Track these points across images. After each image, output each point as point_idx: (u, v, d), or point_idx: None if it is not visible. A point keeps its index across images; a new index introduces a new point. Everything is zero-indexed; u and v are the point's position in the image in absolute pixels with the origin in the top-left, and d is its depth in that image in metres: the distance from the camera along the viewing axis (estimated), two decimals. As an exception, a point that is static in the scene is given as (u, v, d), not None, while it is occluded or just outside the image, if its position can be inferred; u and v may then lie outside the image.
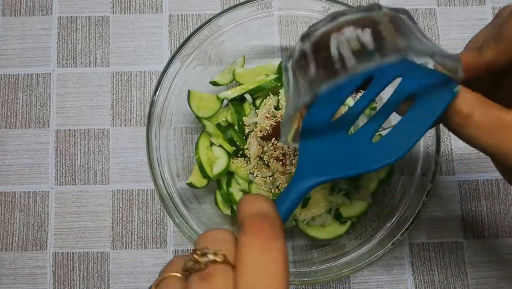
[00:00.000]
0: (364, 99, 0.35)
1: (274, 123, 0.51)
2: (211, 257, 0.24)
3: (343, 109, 0.38)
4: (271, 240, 0.25)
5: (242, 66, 0.55)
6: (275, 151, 0.49)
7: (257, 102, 0.54)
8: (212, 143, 0.53)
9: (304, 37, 0.32)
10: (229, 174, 0.52)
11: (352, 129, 0.36)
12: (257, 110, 0.53)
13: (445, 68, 0.30)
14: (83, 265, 0.54)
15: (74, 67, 0.58)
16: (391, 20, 0.29)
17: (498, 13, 0.31)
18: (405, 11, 0.30)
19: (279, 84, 0.53)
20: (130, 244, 0.54)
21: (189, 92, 0.51)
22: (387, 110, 0.34)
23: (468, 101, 0.29)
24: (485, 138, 0.29)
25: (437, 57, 0.30)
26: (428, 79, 0.32)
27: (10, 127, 0.57)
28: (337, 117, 0.35)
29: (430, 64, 0.31)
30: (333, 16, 0.31)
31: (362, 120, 0.39)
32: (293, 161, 0.49)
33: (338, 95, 0.35)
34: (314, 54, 0.30)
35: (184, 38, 0.51)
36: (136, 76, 0.58)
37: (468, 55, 0.30)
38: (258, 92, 0.53)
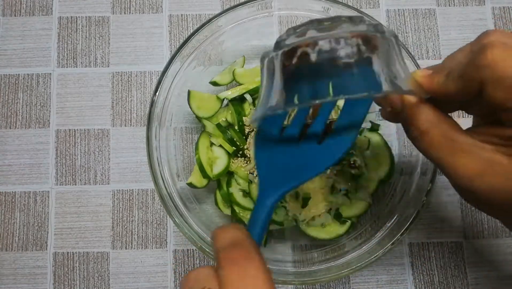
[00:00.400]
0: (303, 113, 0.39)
1: (274, 123, 0.51)
2: None
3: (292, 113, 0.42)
4: (245, 262, 0.27)
5: (242, 66, 0.55)
6: (275, 151, 0.49)
7: (257, 102, 0.54)
8: (212, 143, 0.53)
9: (277, 45, 0.34)
10: (229, 174, 0.52)
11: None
12: (257, 110, 0.53)
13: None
14: (83, 265, 0.54)
15: (74, 67, 0.58)
16: (363, 39, 0.31)
17: (479, 36, 0.31)
18: (380, 29, 0.31)
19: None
20: (130, 244, 0.54)
21: (189, 92, 0.51)
22: (325, 113, 0.38)
23: (427, 118, 0.31)
24: (436, 154, 0.31)
25: (394, 86, 0.31)
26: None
27: (10, 127, 0.57)
28: (287, 125, 0.38)
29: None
30: (309, 26, 0.32)
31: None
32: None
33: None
34: (282, 68, 0.33)
35: (184, 38, 0.51)
36: (136, 76, 0.58)
37: (436, 81, 0.31)
38: (258, 92, 0.53)
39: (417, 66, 0.48)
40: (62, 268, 0.54)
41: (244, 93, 0.53)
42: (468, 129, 0.32)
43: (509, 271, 0.53)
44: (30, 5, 0.60)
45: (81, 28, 0.59)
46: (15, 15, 0.59)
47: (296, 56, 0.31)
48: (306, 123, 0.39)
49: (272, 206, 0.34)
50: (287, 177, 0.36)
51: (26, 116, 0.57)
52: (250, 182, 0.51)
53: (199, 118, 0.53)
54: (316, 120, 0.38)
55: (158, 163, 0.47)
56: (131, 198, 0.55)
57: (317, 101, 0.30)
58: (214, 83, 0.54)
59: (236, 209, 0.51)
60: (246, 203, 0.50)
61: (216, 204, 0.52)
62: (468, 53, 0.30)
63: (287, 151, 0.37)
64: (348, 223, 0.51)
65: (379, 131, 0.53)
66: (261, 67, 0.36)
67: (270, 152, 0.37)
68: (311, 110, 0.40)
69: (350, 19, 0.32)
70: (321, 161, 0.36)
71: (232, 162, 0.52)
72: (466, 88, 0.29)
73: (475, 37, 0.32)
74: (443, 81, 0.31)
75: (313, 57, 0.31)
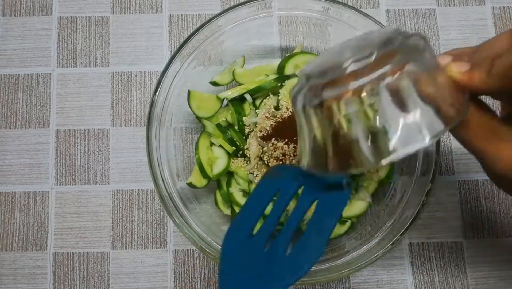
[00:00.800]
0: (272, 217, 0.35)
1: (274, 123, 0.51)
2: None
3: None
4: None
5: (242, 66, 0.55)
6: (275, 151, 0.49)
7: (257, 102, 0.54)
8: (212, 144, 0.53)
9: (310, 82, 0.31)
10: (229, 174, 0.52)
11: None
12: (257, 110, 0.53)
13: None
14: (83, 265, 0.54)
15: (74, 67, 0.58)
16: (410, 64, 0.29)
17: None
18: (419, 37, 0.30)
19: (279, 84, 0.53)
20: (130, 244, 0.54)
21: (189, 92, 0.51)
22: (294, 221, 0.34)
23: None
24: (477, 142, 0.31)
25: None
26: (329, 187, 0.34)
27: (10, 128, 0.57)
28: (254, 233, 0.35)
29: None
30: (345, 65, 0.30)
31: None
32: (293, 161, 0.49)
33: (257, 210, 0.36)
34: (326, 123, 0.30)
35: (184, 38, 0.51)
36: (136, 76, 0.58)
37: (477, 78, 0.30)
38: (258, 92, 0.53)
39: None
40: (62, 268, 0.54)
41: (244, 93, 0.53)
42: (504, 119, 0.33)
43: (509, 271, 0.53)
44: (30, 5, 0.60)
45: (81, 28, 0.59)
46: (15, 15, 0.59)
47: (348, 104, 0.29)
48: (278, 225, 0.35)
49: None
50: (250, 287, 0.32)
51: (26, 116, 0.57)
52: (250, 182, 0.51)
53: (199, 118, 0.53)
54: (289, 220, 0.34)
55: (158, 163, 0.47)
56: (131, 198, 0.55)
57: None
58: (214, 83, 0.54)
59: (236, 209, 0.51)
60: (246, 203, 0.50)
61: (216, 204, 0.52)
62: (503, 47, 0.29)
63: (256, 256, 0.33)
64: (348, 223, 0.51)
65: (379, 131, 0.53)
66: (299, 112, 0.32)
67: (238, 253, 0.34)
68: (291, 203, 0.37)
69: (384, 43, 0.30)
70: (287, 272, 0.32)
71: (232, 162, 0.52)
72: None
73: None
74: (486, 79, 0.30)
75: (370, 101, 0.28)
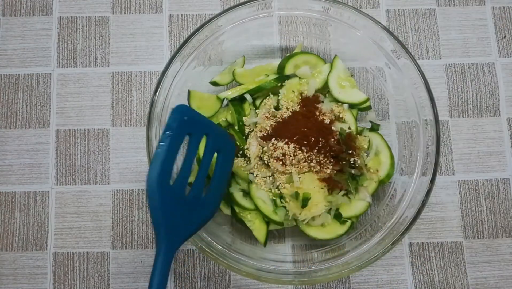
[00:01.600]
0: (186, 163, 0.41)
1: (274, 123, 0.51)
2: None
3: None
4: None
5: (242, 66, 0.55)
6: (275, 151, 0.49)
7: (257, 102, 0.54)
8: (212, 144, 0.53)
9: None
10: (229, 174, 0.52)
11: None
12: (257, 110, 0.53)
13: None
14: (83, 265, 0.54)
15: (74, 67, 0.58)
16: None
17: None
18: None
19: (279, 84, 0.53)
20: (130, 244, 0.54)
21: (189, 92, 0.51)
22: (204, 169, 0.43)
23: None
24: None
25: None
26: (222, 134, 0.45)
27: (10, 127, 0.57)
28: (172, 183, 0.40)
29: None
30: None
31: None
32: (293, 161, 0.49)
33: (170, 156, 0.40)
34: None
35: (184, 38, 0.51)
36: (136, 76, 0.58)
37: None
38: (258, 92, 0.53)
39: (417, 66, 0.47)
40: (62, 268, 0.54)
41: (244, 93, 0.53)
42: None
43: (509, 271, 0.53)
44: (30, 5, 0.60)
45: (81, 28, 0.59)
46: (15, 15, 0.59)
47: None
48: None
49: (170, 261, 0.38)
50: (183, 228, 0.40)
51: (26, 116, 0.57)
52: (250, 182, 0.51)
53: (199, 118, 0.53)
54: (200, 169, 0.43)
55: (158, 163, 0.47)
56: (131, 198, 0.55)
57: None
58: (214, 83, 0.54)
59: (236, 209, 0.51)
60: (246, 203, 0.50)
61: (216, 204, 0.52)
62: None
63: (180, 202, 0.40)
64: (348, 223, 0.51)
65: (379, 131, 0.53)
66: None
67: (163, 198, 0.38)
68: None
69: None
70: (206, 210, 0.43)
71: (232, 162, 0.52)
72: None
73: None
74: None
75: None
